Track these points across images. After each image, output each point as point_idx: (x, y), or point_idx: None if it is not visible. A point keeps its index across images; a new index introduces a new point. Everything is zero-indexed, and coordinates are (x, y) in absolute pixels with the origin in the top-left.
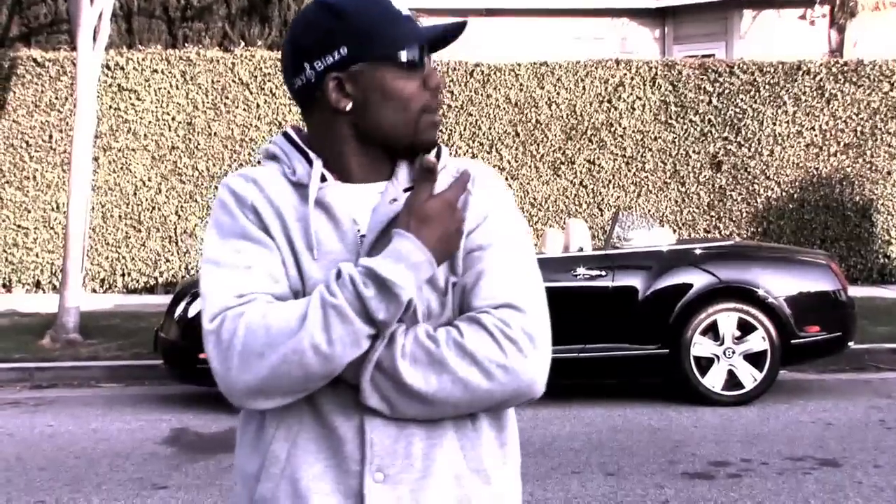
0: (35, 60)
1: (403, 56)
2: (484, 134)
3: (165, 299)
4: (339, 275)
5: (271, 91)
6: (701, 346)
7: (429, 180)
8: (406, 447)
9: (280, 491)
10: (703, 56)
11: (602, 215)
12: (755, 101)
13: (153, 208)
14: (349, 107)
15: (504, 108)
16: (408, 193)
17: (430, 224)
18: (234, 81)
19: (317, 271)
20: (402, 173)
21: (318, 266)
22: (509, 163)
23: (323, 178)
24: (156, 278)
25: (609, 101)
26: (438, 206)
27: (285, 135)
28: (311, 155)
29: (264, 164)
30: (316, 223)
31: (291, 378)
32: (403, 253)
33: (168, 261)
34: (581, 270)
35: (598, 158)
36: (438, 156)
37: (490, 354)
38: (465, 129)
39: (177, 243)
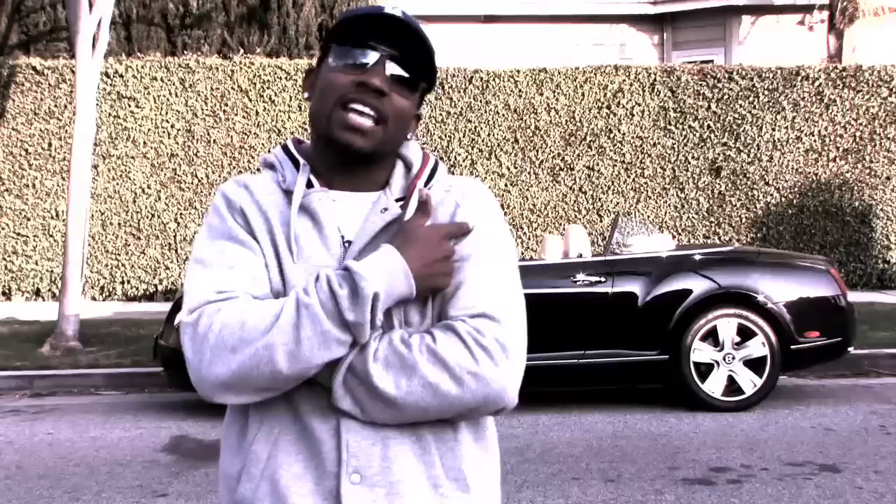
0: (34, 68)
1: (342, 50)
2: (483, 140)
3: (165, 307)
4: (317, 278)
5: (270, 98)
6: (701, 351)
7: (424, 211)
8: (383, 450)
9: (260, 491)
10: (702, 62)
11: (601, 221)
12: (754, 107)
13: (152, 216)
14: (307, 95)
15: (503, 115)
16: (399, 203)
17: (416, 245)
18: (233, 89)
19: (297, 275)
20: (397, 183)
21: (298, 269)
22: (508, 169)
23: (310, 185)
24: (155, 286)
25: (608, 108)
26: (428, 234)
27: (284, 145)
28: (301, 162)
29: (262, 172)
30: (298, 227)
31: (260, 375)
32: (381, 258)
33: (167, 268)
34: (580, 276)
35: (598, 164)
36: (434, 171)
37: (461, 361)
38: (464, 136)
39: (176, 251)
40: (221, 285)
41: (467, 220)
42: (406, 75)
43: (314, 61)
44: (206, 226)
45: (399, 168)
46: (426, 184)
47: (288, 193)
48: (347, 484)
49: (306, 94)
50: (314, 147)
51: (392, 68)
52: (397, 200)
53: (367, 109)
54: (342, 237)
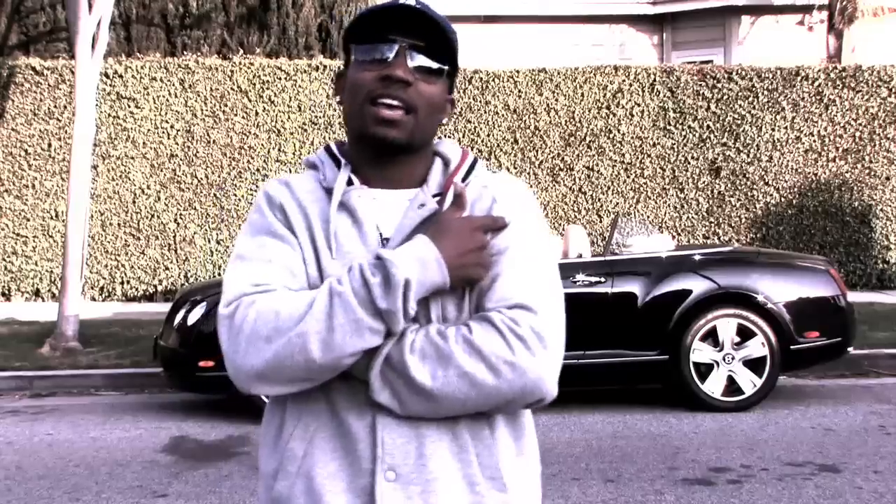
0: (34, 69)
1: (363, 48)
2: (483, 140)
3: (165, 307)
4: (350, 268)
5: (270, 99)
6: (700, 351)
7: (458, 204)
8: (418, 448)
9: (295, 489)
10: (702, 62)
11: (601, 221)
12: (754, 107)
13: (152, 216)
14: (338, 99)
15: (503, 115)
16: (437, 199)
17: (449, 235)
18: (232, 89)
19: (336, 270)
20: (434, 179)
21: (337, 265)
22: (508, 169)
23: (350, 183)
24: (155, 286)
25: (608, 108)
26: (461, 224)
27: (326, 146)
28: (343, 161)
29: (305, 171)
30: (337, 224)
31: (294, 364)
32: (414, 247)
33: (167, 268)
34: (580, 277)
35: (597, 165)
36: (472, 169)
37: (497, 350)
38: (463, 136)
39: (176, 251)
40: (258, 278)
41: (504, 214)
42: (428, 63)
43: (340, 64)
44: (248, 223)
45: (437, 165)
46: (464, 179)
47: (329, 191)
48: (382, 481)
49: (338, 98)
50: (352, 147)
51: (414, 57)
52: (435, 196)
53: (394, 101)
54: (380, 234)
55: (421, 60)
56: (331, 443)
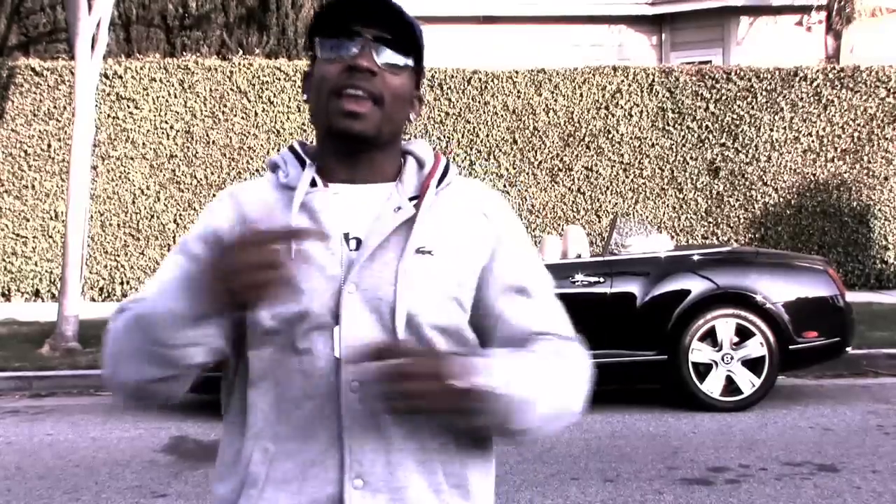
0: (33, 69)
1: (327, 43)
2: (482, 141)
3: None
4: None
5: (269, 99)
6: (699, 351)
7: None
8: (386, 456)
9: None
10: (700, 63)
11: (600, 222)
12: (752, 108)
13: (152, 216)
14: (305, 97)
15: (502, 115)
16: (413, 203)
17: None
18: (232, 90)
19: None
20: (409, 180)
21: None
22: (507, 170)
23: (314, 184)
24: None
25: (606, 108)
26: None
27: (290, 146)
28: (307, 161)
29: (264, 175)
30: (297, 225)
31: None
32: None
33: None
34: (579, 277)
35: (596, 165)
36: (446, 172)
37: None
38: (462, 137)
39: None
40: (140, 293)
41: (499, 231)
42: (394, 57)
43: (307, 64)
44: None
45: (411, 164)
46: (438, 184)
47: (288, 189)
48: (350, 489)
49: (305, 97)
50: (319, 145)
51: (379, 51)
52: (411, 200)
53: (360, 92)
54: (346, 234)
55: (386, 55)
56: (293, 460)
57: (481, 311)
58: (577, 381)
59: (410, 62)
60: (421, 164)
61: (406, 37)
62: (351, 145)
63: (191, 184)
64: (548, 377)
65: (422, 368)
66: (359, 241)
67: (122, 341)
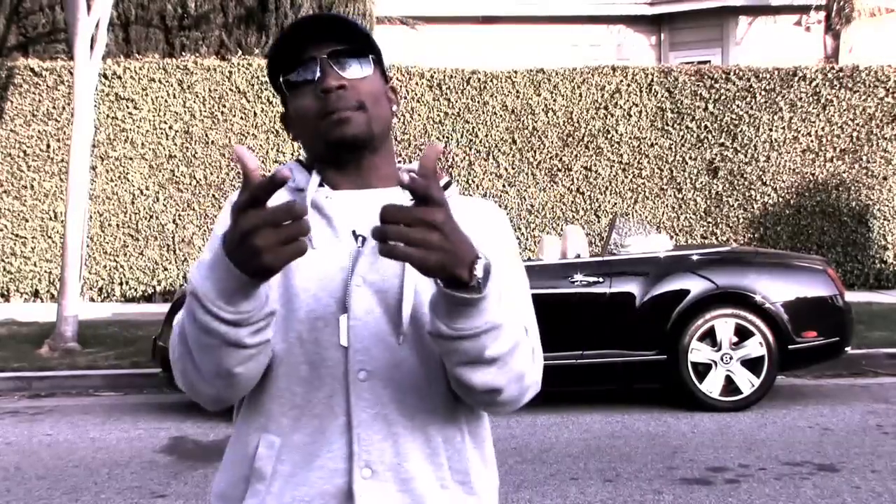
0: (32, 70)
1: (290, 77)
2: (481, 141)
3: (163, 308)
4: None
5: (268, 99)
6: (698, 351)
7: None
8: (394, 446)
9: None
10: (699, 62)
11: (599, 222)
12: (751, 107)
13: (151, 217)
14: (292, 136)
15: (501, 116)
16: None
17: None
18: (231, 90)
19: (308, 266)
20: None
21: (310, 266)
22: (506, 170)
23: (322, 185)
24: (154, 287)
25: (605, 108)
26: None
27: (297, 159)
28: (315, 166)
29: None
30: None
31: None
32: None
33: (166, 269)
34: (578, 277)
35: (595, 165)
36: (447, 186)
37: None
38: (461, 137)
39: (174, 252)
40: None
41: (499, 242)
42: (354, 64)
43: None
44: (212, 234)
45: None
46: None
47: (296, 191)
48: (359, 479)
49: (292, 136)
50: (319, 164)
51: (340, 64)
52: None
53: (341, 106)
54: (354, 231)
55: (348, 66)
56: (300, 452)
57: None
58: (534, 360)
59: (371, 65)
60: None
61: (358, 40)
62: (348, 153)
63: (190, 184)
64: (518, 332)
65: (429, 216)
66: (365, 239)
67: (181, 344)
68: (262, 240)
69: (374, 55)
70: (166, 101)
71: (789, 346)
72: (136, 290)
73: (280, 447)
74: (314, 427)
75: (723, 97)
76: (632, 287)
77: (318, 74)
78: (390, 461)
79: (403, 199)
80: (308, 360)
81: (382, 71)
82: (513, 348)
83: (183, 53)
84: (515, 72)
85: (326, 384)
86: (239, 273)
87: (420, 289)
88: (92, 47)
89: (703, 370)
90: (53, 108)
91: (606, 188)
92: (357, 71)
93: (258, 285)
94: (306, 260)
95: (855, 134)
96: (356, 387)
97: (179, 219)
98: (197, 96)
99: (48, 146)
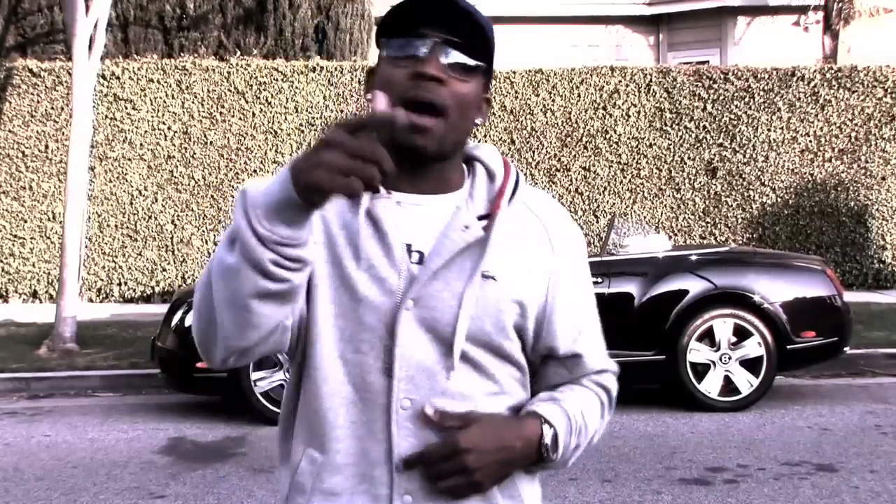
0: (31, 70)
1: (394, 43)
2: (479, 141)
3: (162, 308)
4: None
5: (267, 100)
6: (697, 351)
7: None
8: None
9: None
10: (698, 63)
11: (598, 222)
12: (750, 108)
13: (149, 217)
14: (369, 97)
15: (499, 116)
16: (482, 223)
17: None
18: (229, 90)
19: (361, 280)
20: (479, 194)
21: (364, 276)
22: None
23: (377, 191)
24: (152, 287)
25: (604, 108)
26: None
27: None
28: None
29: None
30: (362, 232)
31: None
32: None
33: (165, 270)
34: None
35: (594, 165)
36: (516, 186)
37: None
38: None
39: (173, 252)
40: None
41: (561, 252)
42: (464, 59)
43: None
44: None
45: (481, 174)
46: (510, 199)
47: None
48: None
49: (368, 97)
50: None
51: (448, 54)
52: (481, 219)
53: (426, 102)
54: (408, 245)
55: (456, 56)
56: (341, 474)
57: (533, 347)
58: (605, 418)
59: (479, 70)
60: (491, 176)
61: (476, 38)
62: (413, 158)
63: (188, 185)
64: (589, 422)
65: (474, 441)
66: (421, 255)
67: (204, 286)
68: (330, 156)
69: (487, 62)
70: (165, 101)
71: (788, 347)
72: (134, 290)
73: (321, 465)
74: (356, 450)
75: (721, 97)
76: (630, 287)
77: (424, 53)
78: (432, 490)
79: (465, 212)
80: (352, 381)
81: (487, 81)
82: (592, 436)
83: (181, 54)
84: (514, 72)
85: (369, 409)
86: (290, 186)
87: (474, 321)
88: (90, 48)
89: (701, 370)
90: (52, 108)
91: (605, 188)
92: (462, 70)
93: (301, 211)
94: (361, 276)
95: (853, 134)
96: (398, 416)
97: (178, 219)
98: (195, 97)
99: (47, 147)
